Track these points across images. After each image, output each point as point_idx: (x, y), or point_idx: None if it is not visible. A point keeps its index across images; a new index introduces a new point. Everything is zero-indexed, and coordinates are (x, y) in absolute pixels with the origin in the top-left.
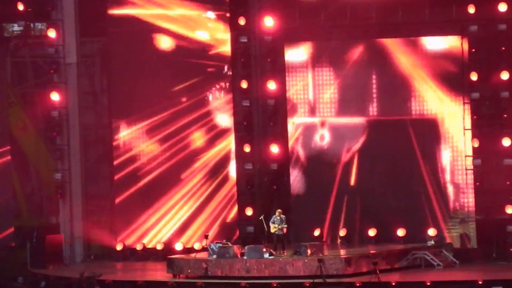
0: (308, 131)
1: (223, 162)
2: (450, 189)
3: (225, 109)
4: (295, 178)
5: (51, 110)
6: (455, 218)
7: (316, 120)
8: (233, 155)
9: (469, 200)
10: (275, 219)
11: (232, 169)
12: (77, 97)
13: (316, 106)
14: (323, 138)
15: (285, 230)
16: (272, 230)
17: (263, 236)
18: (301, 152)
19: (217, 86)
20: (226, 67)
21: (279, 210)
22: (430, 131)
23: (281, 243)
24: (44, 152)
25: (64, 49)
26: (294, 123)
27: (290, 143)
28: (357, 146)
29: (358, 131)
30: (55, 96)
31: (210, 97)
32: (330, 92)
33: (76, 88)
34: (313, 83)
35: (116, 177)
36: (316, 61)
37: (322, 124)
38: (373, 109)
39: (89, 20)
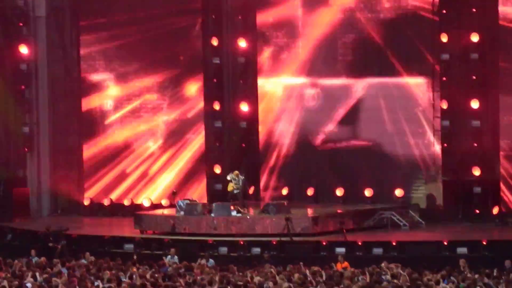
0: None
1: (194, 119)
2: (417, 150)
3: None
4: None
5: (20, 63)
6: (421, 179)
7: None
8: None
9: (436, 161)
10: (232, 178)
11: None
12: (46, 50)
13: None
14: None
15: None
16: (229, 189)
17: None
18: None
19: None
20: None
21: (236, 172)
22: (398, 92)
23: (237, 201)
24: (12, 105)
25: (33, 1)
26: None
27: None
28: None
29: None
30: (23, 49)
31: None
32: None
33: (45, 41)
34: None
35: (84, 131)
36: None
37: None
38: (343, 69)
39: None
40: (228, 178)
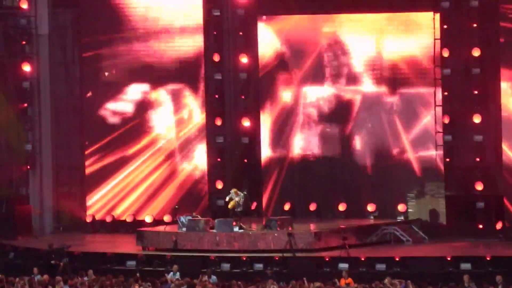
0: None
1: (196, 135)
2: (420, 165)
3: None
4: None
5: (23, 81)
6: (424, 194)
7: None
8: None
9: (439, 176)
10: (232, 196)
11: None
12: (49, 68)
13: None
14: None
15: (253, 205)
16: (230, 206)
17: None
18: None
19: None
20: None
21: (234, 189)
22: (401, 106)
23: (238, 219)
24: (14, 123)
25: (36, 20)
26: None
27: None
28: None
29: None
30: (26, 67)
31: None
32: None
33: (48, 59)
34: None
35: (87, 148)
36: None
37: None
38: (346, 82)
39: None
40: (227, 199)
